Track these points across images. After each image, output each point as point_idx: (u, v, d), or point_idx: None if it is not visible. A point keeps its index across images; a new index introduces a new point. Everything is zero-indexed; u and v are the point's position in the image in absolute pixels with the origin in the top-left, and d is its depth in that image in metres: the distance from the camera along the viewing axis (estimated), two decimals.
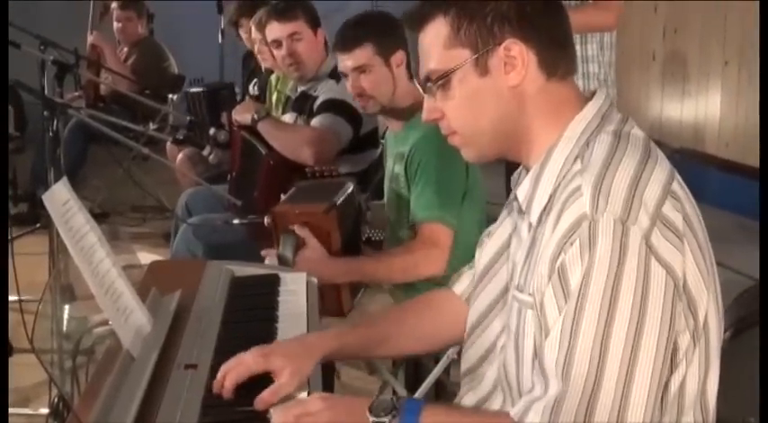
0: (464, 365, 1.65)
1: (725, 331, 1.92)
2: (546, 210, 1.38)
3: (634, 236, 1.26)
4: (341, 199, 2.52)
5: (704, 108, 5.97)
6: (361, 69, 2.66)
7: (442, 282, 2.51)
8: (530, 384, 1.37)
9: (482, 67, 1.42)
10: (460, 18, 1.41)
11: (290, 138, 3.37)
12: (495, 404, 1.54)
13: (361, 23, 2.71)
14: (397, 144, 2.69)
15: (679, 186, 1.35)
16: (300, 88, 3.66)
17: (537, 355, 1.34)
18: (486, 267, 1.63)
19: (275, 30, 3.56)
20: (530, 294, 1.37)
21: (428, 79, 1.47)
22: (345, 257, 2.47)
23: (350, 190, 2.63)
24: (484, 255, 1.64)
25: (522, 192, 1.45)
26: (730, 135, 5.73)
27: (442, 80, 1.44)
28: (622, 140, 1.38)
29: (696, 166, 5.81)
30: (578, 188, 1.31)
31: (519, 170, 1.52)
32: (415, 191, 2.55)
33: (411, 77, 2.68)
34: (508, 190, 5.36)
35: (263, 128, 3.39)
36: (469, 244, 2.62)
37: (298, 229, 2.39)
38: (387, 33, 2.66)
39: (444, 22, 1.43)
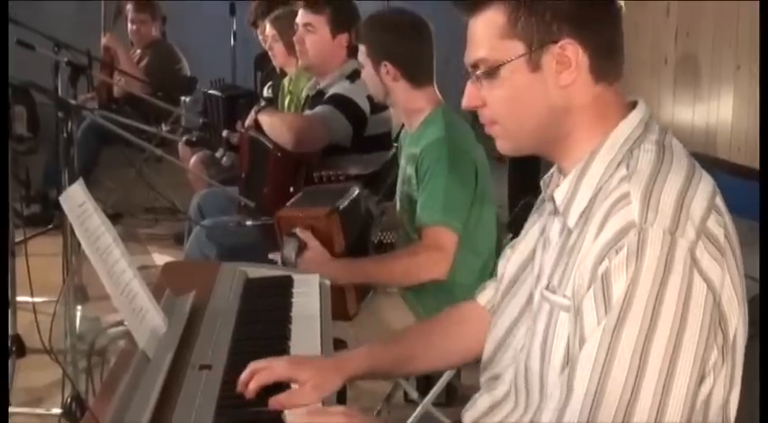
0: (487, 375, 1.62)
1: None
2: (585, 213, 1.37)
3: (681, 248, 1.24)
4: (345, 203, 2.54)
5: (716, 112, 5.94)
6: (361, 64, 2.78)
7: (447, 283, 2.52)
8: (556, 389, 1.35)
9: (534, 63, 1.39)
10: (519, 10, 1.38)
11: (277, 123, 3.42)
12: (506, 408, 1.53)
13: (366, 24, 2.75)
14: (410, 145, 2.69)
15: (721, 201, 1.34)
16: (318, 87, 3.68)
17: (570, 360, 1.32)
18: (512, 281, 1.61)
19: (300, 15, 3.60)
20: (564, 296, 1.35)
21: (475, 66, 1.43)
22: (347, 259, 2.48)
23: (355, 194, 2.64)
24: (509, 267, 1.62)
25: (560, 194, 1.43)
26: (742, 139, 5.70)
27: (492, 70, 1.41)
28: (667, 152, 1.37)
29: (707, 170, 5.76)
30: (627, 195, 1.29)
31: (551, 172, 1.51)
32: (423, 194, 2.55)
33: (413, 87, 2.66)
34: (510, 194, 5.30)
35: (261, 118, 3.47)
36: (480, 249, 2.63)
37: (299, 232, 2.42)
38: (374, 43, 2.69)
39: (502, 12, 1.39)
